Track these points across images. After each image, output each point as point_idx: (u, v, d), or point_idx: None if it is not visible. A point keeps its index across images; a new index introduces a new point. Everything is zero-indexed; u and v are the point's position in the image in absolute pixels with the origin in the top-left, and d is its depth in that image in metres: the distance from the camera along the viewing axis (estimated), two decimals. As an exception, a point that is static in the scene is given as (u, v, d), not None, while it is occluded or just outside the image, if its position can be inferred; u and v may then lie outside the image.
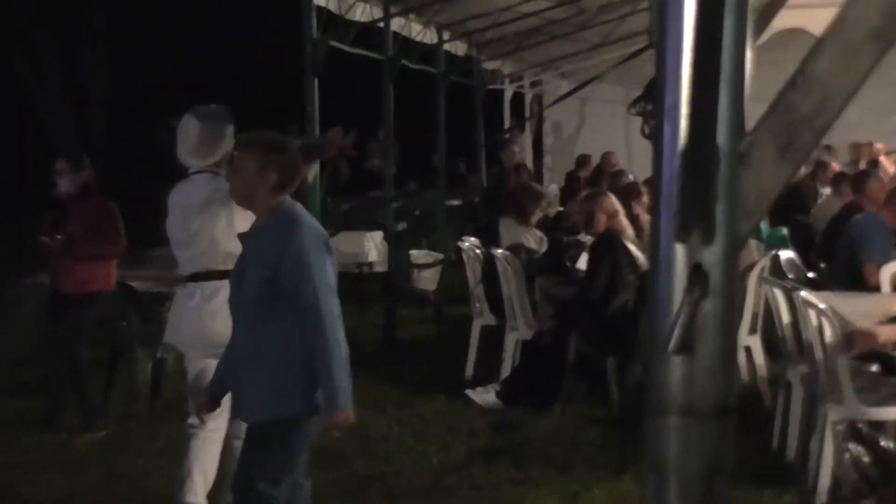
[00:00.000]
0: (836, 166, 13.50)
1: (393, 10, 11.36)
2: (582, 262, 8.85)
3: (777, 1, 7.27)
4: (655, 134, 1.29)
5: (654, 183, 1.34)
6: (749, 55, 1.23)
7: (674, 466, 1.31)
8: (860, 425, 5.77)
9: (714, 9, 1.15)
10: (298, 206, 4.79)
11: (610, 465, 7.05)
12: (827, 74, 1.32)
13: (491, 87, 16.36)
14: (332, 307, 4.57)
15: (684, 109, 1.25)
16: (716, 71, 1.19)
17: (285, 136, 5.31)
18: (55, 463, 7.27)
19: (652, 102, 6.15)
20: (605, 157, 14.88)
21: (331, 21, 9.88)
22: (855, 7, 1.30)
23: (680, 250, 1.28)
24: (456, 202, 15.89)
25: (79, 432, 7.84)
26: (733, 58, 1.23)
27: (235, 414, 5.22)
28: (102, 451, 7.52)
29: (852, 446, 5.35)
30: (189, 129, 5.93)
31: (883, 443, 5.44)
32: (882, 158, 14.52)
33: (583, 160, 15.30)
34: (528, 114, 18.23)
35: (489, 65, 15.93)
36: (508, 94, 17.55)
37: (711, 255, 1.28)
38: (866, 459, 5.30)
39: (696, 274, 1.25)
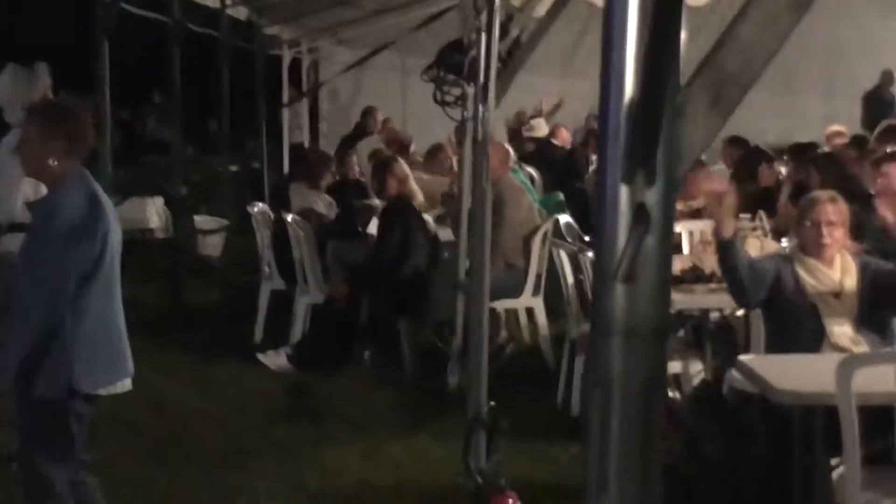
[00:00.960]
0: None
1: (176, -27, 11.18)
2: (373, 227, 9.00)
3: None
4: (601, 87, 1.45)
5: (599, 131, 1.50)
6: (682, 16, 1.40)
7: (617, 381, 1.49)
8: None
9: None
10: (85, 176, 4.65)
11: (405, 423, 7.25)
12: (751, 37, 1.51)
13: (271, 52, 16.32)
14: (59, 298, 4.47)
15: (631, 66, 1.42)
16: (674, 32, 1.35)
17: (70, 102, 5.31)
18: None
19: (445, 69, 6.35)
20: (384, 123, 15.08)
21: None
22: (776, -21, 1.49)
23: (625, 191, 1.45)
24: (235, 168, 15.79)
25: None
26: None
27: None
28: None
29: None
30: (2, 86, 5.92)
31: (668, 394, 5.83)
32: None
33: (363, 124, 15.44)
34: (305, 80, 18.23)
35: (270, 30, 15.87)
36: (287, 60, 17.54)
37: (652, 196, 1.45)
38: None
39: (640, 212, 1.42)
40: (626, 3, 1.37)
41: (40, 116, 4.70)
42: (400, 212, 8.49)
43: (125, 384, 4.80)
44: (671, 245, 1.51)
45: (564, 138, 14.62)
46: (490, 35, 5.48)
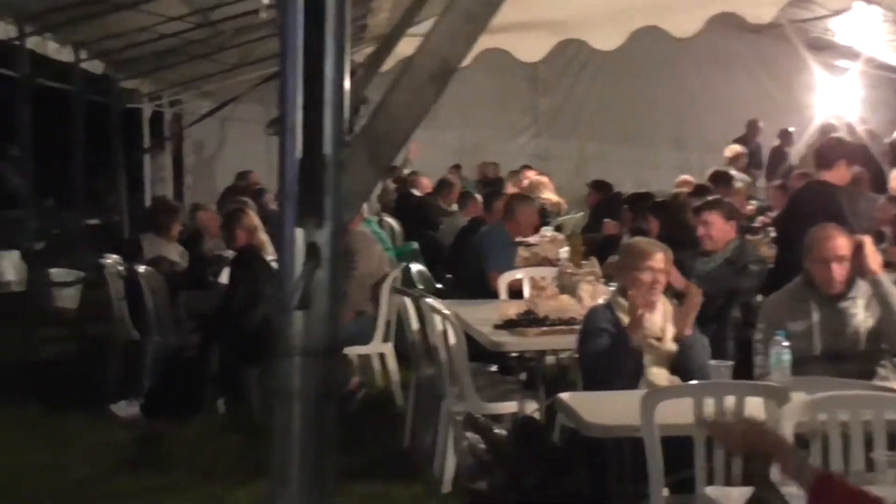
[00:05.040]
0: (458, 185, 14.44)
1: (28, 28, 11.23)
2: (224, 277, 9.14)
3: (396, 32, 7.87)
4: (280, 147, 1.70)
5: (279, 184, 1.77)
6: (347, 86, 1.68)
7: (297, 395, 1.74)
8: (478, 416, 6.38)
9: (317, 53, 1.58)
10: None
11: (252, 469, 7.37)
12: (400, 105, 1.80)
13: (129, 105, 16.38)
14: None
15: (299, 129, 1.69)
16: (320, 101, 1.61)
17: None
18: None
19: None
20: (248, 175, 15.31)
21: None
22: (420, 56, 1.77)
23: (299, 233, 1.73)
24: (95, 221, 15.77)
25: None
26: (334, 89, 1.68)
27: None
28: None
29: (470, 435, 5.94)
30: None
31: (496, 430, 6.06)
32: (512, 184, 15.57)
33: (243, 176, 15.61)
34: (167, 133, 18.31)
35: (128, 83, 15.94)
36: (147, 113, 17.59)
37: (322, 236, 1.73)
38: (482, 446, 5.90)
39: (312, 250, 1.68)
40: (297, 76, 1.63)
41: None
42: (248, 262, 8.66)
43: None
44: (340, 277, 1.77)
45: (424, 187, 14.92)
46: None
